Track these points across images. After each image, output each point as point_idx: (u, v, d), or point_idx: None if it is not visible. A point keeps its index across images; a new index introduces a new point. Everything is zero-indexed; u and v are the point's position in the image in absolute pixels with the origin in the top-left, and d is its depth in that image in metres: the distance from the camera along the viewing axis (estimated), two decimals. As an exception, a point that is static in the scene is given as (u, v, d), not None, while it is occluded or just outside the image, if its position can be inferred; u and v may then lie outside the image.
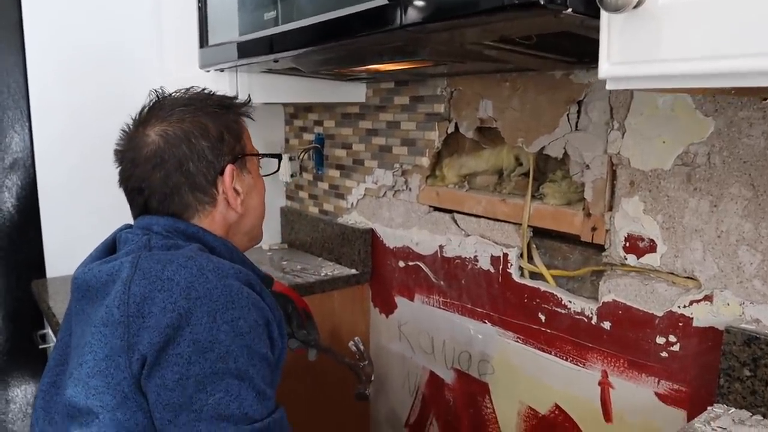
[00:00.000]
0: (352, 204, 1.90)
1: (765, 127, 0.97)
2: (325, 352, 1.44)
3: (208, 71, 1.48)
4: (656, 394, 1.15)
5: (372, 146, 1.78)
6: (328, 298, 1.77)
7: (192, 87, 1.03)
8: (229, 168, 0.96)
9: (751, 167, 1.00)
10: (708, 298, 1.07)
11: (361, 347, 1.49)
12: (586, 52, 1.03)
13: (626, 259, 1.18)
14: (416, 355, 1.71)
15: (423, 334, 1.68)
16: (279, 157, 1.21)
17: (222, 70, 1.46)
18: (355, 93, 1.75)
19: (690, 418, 1.10)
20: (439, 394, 1.65)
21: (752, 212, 1.00)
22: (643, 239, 1.15)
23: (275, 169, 1.18)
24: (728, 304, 1.04)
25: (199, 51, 1.45)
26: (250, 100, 1.07)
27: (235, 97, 1.07)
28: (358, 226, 1.85)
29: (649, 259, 1.15)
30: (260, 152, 1.08)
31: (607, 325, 1.22)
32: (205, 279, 0.81)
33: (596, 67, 1.15)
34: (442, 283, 1.61)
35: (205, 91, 1.03)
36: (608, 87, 0.72)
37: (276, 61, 1.24)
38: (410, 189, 1.68)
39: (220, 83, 1.47)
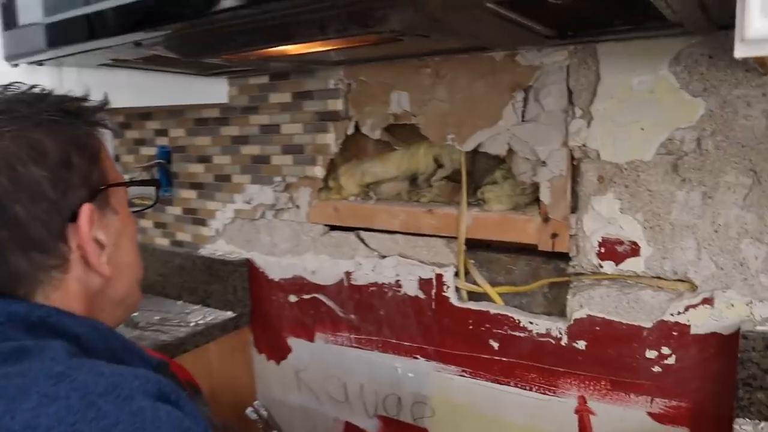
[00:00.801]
0: (217, 230, 1.53)
1: (765, 106, 0.87)
2: (225, 431, 1.10)
3: (16, 65, 1.02)
4: (650, 414, 1.01)
5: (241, 157, 1.43)
6: (203, 354, 1.38)
7: (13, 83, 0.64)
8: (86, 209, 0.59)
9: (750, 151, 0.89)
10: (707, 300, 0.94)
11: (264, 413, 1.17)
12: (585, 22, 0.84)
13: (602, 266, 1.02)
14: (323, 406, 1.41)
15: (331, 380, 1.38)
16: (156, 184, 0.84)
17: (41, 63, 1.01)
18: (215, 92, 1.38)
19: (698, 437, 0.97)
20: (360, 448, 1.37)
21: (755, 201, 0.89)
22: (622, 242, 1.00)
23: (152, 202, 0.82)
24: (733, 305, 0.93)
25: (2, 34, 0.98)
26: (107, 102, 0.70)
27: (85, 98, 0.69)
28: (228, 258, 1.48)
29: (631, 265, 1.00)
30: (127, 179, 0.71)
31: (581, 344, 1.06)
32: (96, 413, 0.45)
33: (561, 45, 0.99)
34: (352, 316, 1.33)
35: (37, 90, 0.64)
36: (737, 54, 0.51)
37: (138, 44, 0.87)
38: (298, 206, 1.37)
39: (38, 82, 1.02)
